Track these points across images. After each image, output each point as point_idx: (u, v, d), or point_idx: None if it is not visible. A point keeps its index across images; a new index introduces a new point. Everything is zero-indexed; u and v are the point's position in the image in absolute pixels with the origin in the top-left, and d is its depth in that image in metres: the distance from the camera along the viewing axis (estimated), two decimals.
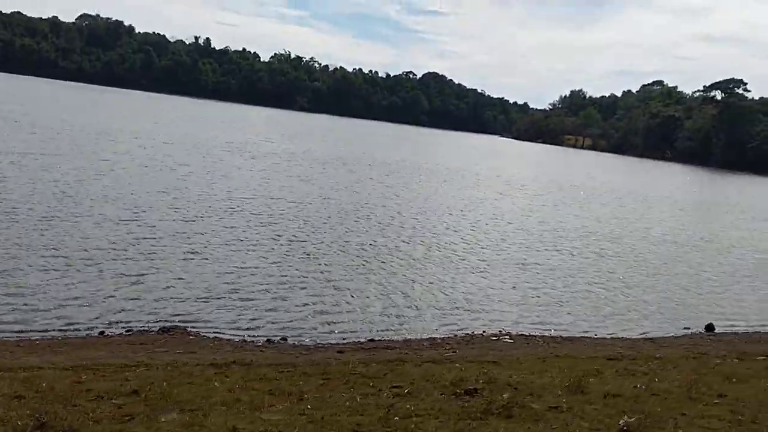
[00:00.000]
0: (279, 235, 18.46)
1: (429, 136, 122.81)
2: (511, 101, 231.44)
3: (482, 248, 20.67)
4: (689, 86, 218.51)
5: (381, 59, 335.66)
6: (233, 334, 10.59)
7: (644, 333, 13.87)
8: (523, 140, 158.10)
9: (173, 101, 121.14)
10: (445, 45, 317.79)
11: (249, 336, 10.60)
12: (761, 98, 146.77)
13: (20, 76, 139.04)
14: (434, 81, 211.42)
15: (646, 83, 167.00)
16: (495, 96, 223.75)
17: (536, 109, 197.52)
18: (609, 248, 23.83)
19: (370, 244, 18.93)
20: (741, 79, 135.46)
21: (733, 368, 8.69)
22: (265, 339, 10.43)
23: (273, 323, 11.47)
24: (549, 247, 22.43)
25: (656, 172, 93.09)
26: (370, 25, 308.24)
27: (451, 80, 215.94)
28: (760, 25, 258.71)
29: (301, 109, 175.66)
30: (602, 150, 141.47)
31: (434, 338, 11.48)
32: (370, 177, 37.06)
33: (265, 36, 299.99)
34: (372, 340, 11.06)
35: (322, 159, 44.16)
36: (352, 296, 13.66)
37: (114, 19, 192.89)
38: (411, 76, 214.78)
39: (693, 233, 30.67)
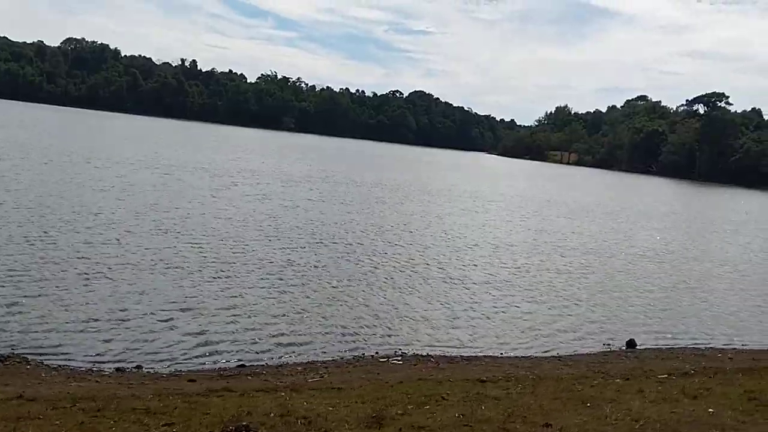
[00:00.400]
0: (186, 255, 17.66)
1: (408, 154, 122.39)
2: (498, 119, 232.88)
3: (426, 265, 19.89)
4: (675, 101, 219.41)
5: (370, 79, 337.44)
6: (87, 363, 9.78)
7: (559, 350, 13.11)
8: (510, 157, 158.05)
9: (161, 124, 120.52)
10: (433, 64, 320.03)
11: (105, 365, 9.79)
12: (744, 111, 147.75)
13: (3, 100, 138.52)
14: (420, 99, 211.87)
15: (630, 98, 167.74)
16: (482, 113, 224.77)
17: (523, 126, 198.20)
18: (559, 261, 23.17)
19: (287, 261, 18.14)
20: (723, 93, 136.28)
21: (600, 390, 7.93)
22: (115, 368, 9.61)
23: (148, 351, 10.66)
24: (493, 262, 21.70)
25: (629, 185, 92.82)
26: (359, 45, 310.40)
27: (437, 98, 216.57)
28: (742, 41, 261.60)
29: (288, 129, 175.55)
30: (588, 165, 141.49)
31: (314, 362, 10.69)
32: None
33: (254, 58, 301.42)
34: (242, 366, 10.26)
35: (291, 177, 43.48)
36: (249, 317, 12.87)
37: (99, 42, 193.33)
38: (398, 95, 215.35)
39: (653, 246, 30.04)
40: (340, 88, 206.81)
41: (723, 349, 14.67)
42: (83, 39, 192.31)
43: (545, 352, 12.82)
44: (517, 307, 16.20)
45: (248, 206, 27.88)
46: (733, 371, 11.27)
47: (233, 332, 11.92)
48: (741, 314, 18.30)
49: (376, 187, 44.44)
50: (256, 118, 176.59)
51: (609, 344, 13.90)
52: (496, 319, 14.96)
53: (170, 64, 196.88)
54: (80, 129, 74.15)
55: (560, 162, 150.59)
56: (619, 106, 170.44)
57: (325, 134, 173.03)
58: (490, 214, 36.22)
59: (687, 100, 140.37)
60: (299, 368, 10.13)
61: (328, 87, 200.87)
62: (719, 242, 35.31)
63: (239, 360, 10.56)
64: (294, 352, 11.24)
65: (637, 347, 13.77)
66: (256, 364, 10.40)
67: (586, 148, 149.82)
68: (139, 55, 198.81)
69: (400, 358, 11.21)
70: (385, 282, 17.05)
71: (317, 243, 21.37)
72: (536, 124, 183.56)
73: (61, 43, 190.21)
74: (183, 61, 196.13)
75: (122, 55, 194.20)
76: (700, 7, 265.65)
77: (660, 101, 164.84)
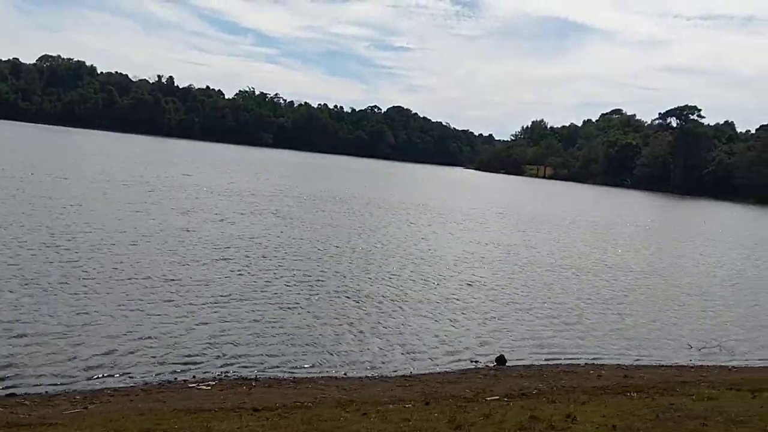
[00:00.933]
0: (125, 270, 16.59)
1: (381, 169, 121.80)
2: (477, 133, 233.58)
3: (321, 279, 18.91)
4: (652, 116, 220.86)
5: (352, 94, 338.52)
6: None
7: (417, 369, 12.14)
8: (487, 171, 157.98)
9: (131, 141, 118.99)
10: (413, 79, 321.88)
11: None
12: (717, 124, 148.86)
13: None
14: (399, 115, 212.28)
15: (605, 112, 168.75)
16: (461, 128, 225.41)
17: (502, 140, 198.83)
18: (479, 273, 22.28)
19: (170, 279, 17.08)
20: (695, 106, 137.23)
21: (357, 418, 6.99)
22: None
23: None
24: (402, 274, 20.74)
25: (592, 197, 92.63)
26: (340, 61, 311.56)
27: (415, 114, 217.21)
28: (717, 56, 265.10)
29: (266, 145, 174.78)
30: (563, 179, 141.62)
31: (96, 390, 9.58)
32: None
33: (234, 74, 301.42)
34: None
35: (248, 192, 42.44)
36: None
37: (76, 59, 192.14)
38: (376, 110, 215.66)
39: (580, 256, 29.26)
40: (319, 104, 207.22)
41: (620, 365, 13.83)
42: (59, 56, 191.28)
43: (396, 371, 11.82)
44: (406, 323, 15.20)
45: (165, 218, 26.79)
46: (581, 390, 10.43)
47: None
48: (653, 328, 17.47)
49: (318, 200, 43.53)
50: (233, 134, 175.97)
51: (477, 361, 12.98)
52: (376, 335, 13.98)
53: (147, 81, 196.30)
54: (40, 145, 72.80)
55: (536, 176, 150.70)
56: (594, 120, 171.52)
57: (304, 150, 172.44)
58: (432, 227, 35.27)
59: (660, 113, 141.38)
60: (77, 396, 9.10)
61: (306, 102, 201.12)
62: (664, 254, 34.62)
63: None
64: (101, 375, 10.19)
65: (507, 364, 12.88)
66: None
67: (561, 161, 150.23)
68: (116, 72, 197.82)
69: (215, 382, 10.20)
70: (279, 303, 15.93)
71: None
72: (512, 138, 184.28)
73: (37, 60, 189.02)
74: (160, 77, 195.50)
75: (99, 72, 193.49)
76: (676, 22, 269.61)
77: (634, 115, 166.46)
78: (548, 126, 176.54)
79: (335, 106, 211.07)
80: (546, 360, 13.60)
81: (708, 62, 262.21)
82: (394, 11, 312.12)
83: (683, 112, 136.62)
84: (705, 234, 48.31)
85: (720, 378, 12.08)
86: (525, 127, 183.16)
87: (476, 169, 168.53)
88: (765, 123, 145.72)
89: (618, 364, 13.82)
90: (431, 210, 45.23)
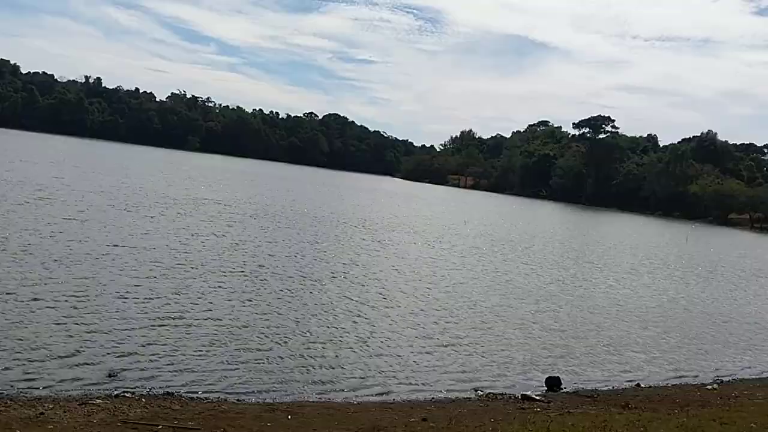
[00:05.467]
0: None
1: (300, 176, 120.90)
2: (438, 148, 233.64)
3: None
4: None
5: (315, 105, 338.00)
6: None
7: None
8: (412, 180, 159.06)
9: (46, 142, 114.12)
10: (375, 92, 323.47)
11: None
12: (635, 137, 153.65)
13: None
14: (336, 122, 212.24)
15: (532, 123, 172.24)
16: (420, 143, 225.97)
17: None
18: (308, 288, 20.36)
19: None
20: (608, 117, 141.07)
21: None
22: None
23: None
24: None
25: (490, 207, 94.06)
26: (303, 72, 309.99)
27: (353, 122, 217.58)
28: (674, 76, 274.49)
29: (194, 149, 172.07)
30: (483, 189, 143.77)
31: None
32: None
33: (195, 82, 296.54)
34: None
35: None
36: None
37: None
38: (313, 116, 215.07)
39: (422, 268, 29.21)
40: (254, 109, 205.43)
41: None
42: None
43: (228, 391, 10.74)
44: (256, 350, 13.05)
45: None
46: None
47: None
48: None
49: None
50: (159, 137, 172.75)
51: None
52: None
53: (76, 82, 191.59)
54: None
55: (458, 185, 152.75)
56: (522, 131, 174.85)
57: (234, 155, 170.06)
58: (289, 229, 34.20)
59: (573, 124, 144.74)
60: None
61: (238, 107, 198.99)
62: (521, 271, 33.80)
63: None
64: None
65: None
66: None
67: (481, 171, 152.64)
68: (42, 72, 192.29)
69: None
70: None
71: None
72: (441, 147, 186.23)
73: None
74: (87, 78, 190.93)
75: (22, 72, 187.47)
76: (635, 43, 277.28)
77: (560, 127, 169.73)
78: (476, 136, 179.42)
79: (270, 112, 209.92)
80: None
81: (665, 82, 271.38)
82: (357, 24, 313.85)
83: (596, 123, 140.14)
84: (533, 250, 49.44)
85: None
86: (454, 136, 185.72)
87: (403, 178, 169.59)
88: (687, 136, 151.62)
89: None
90: (318, 216, 44.94)
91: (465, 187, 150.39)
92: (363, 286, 20.75)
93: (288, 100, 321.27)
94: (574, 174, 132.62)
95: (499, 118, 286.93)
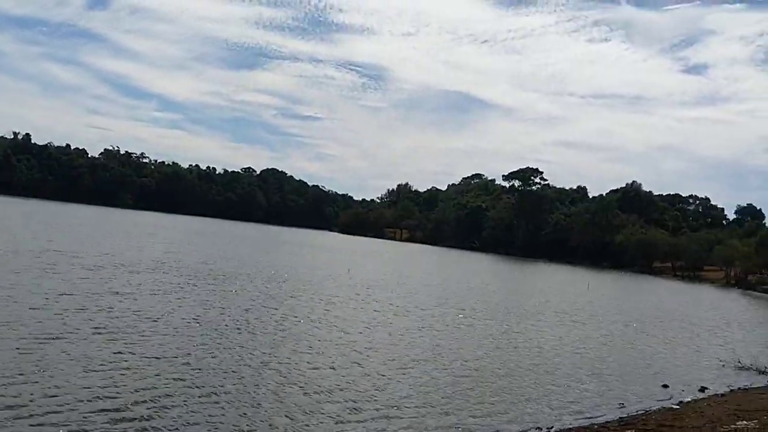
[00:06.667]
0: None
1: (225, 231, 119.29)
2: (358, 198, 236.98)
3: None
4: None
5: (260, 162, 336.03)
6: None
7: None
8: (350, 234, 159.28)
9: None
10: (322, 148, 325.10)
11: None
12: (564, 188, 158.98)
13: None
14: (273, 177, 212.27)
15: (466, 176, 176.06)
16: (369, 197, 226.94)
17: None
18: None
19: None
20: (537, 168, 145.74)
21: None
22: None
23: None
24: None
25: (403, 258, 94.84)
26: (248, 128, 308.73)
27: (291, 176, 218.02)
28: (607, 132, 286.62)
29: (125, 206, 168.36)
30: (419, 241, 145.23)
31: None
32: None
33: (137, 139, 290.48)
34: None
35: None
36: None
37: None
38: (251, 171, 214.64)
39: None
40: (189, 165, 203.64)
41: None
42: None
43: None
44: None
45: None
46: None
47: None
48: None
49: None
50: (91, 194, 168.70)
51: None
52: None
53: (5, 138, 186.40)
54: None
55: (394, 238, 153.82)
56: (456, 184, 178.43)
57: (168, 211, 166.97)
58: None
59: (503, 176, 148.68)
60: None
61: (173, 162, 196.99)
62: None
63: None
64: None
65: None
66: None
67: (416, 224, 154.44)
68: None
69: None
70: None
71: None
72: (378, 200, 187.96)
73: None
74: (16, 134, 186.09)
75: None
76: (571, 100, 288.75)
77: (494, 180, 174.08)
78: (412, 189, 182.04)
79: (207, 167, 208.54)
80: None
81: (600, 138, 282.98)
82: (302, 81, 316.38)
83: (525, 175, 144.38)
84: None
85: None
86: (390, 189, 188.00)
87: (341, 231, 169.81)
88: (614, 188, 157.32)
89: None
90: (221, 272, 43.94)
91: (401, 239, 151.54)
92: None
93: (232, 157, 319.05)
94: (505, 225, 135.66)
95: (442, 172, 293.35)
